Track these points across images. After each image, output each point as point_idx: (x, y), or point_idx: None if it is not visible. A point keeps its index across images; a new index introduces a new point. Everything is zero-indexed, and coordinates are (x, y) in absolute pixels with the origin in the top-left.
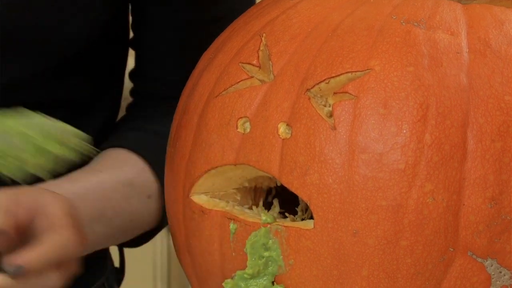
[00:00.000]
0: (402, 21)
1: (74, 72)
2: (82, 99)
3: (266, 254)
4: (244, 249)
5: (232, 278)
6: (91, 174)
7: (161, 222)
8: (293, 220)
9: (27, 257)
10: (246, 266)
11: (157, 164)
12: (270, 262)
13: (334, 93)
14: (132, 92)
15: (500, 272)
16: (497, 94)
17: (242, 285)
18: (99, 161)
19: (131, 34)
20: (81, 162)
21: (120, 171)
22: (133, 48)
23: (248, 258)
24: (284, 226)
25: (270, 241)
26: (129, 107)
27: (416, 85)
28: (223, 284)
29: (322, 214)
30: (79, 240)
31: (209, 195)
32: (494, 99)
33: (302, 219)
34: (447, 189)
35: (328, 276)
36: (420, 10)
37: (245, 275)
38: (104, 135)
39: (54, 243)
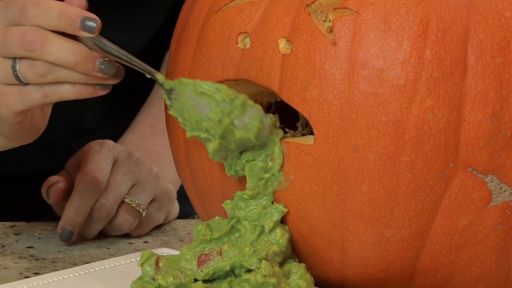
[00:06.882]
0: None
1: None
2: None
3: (266, 176)
4: (243, 172)
5: (232, 198)
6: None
7: None
8: (293, 136)
9: None
10: (246, 183)
11: None
12: (269, 183)
13: (334, 8)
14: None
15: (501, 188)
16: (498, 9)
17: (242, 205)
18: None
19: None
20: None
21: None
22: None
23: (247, 180)
24: (284, 142)
25: (270, 163)
26: None
27: (417, 0)
28: (222, 205)
29: (322, 129)
30: None
31: None
32: (494, 14)
33: (303, 135)
34: (448, 105)
35: (328, 192)
36: None
37: (245, 196)
38: None
39: None
